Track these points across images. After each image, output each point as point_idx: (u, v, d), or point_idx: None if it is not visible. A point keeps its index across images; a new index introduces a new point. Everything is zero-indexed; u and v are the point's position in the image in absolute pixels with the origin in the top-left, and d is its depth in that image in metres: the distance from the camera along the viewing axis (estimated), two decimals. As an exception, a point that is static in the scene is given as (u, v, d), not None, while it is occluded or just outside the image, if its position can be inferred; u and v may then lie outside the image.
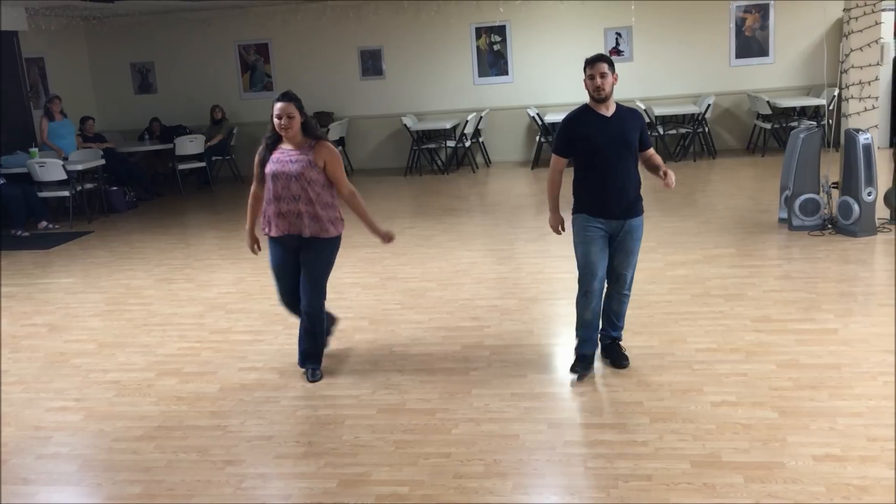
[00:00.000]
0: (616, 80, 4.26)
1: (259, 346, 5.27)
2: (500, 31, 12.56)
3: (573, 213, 4.45)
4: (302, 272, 4.58)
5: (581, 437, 3.82)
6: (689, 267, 6.42)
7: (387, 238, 4.75)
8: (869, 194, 6.87)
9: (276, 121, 4.42)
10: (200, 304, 6.29)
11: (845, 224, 7.02)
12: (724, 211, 8.33)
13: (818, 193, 7.21)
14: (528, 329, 5.30)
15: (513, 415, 4.06)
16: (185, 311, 6.15)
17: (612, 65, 4.24)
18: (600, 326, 4.58)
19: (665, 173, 4.27)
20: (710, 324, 5.14)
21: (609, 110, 4.30)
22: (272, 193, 4.49)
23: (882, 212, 7.20)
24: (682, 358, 4.64)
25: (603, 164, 4.29)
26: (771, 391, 4.12)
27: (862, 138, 6.90)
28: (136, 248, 8.55)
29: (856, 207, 6.90)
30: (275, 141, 4.52)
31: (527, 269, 6.70)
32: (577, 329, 4.53)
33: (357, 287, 6.47)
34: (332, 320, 5.00)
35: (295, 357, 4.78)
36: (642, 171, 4.41)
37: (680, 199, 9.01)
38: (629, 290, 4.53)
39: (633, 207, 4.35)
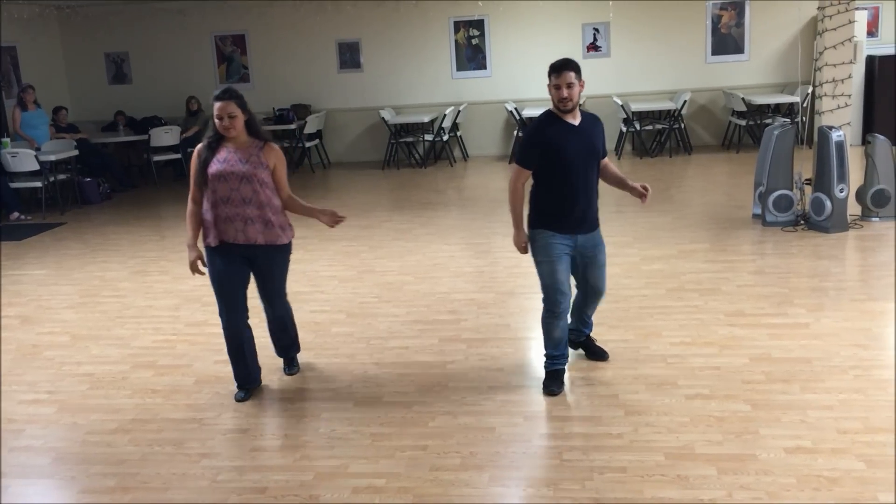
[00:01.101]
0: (583, 87, 4.05)
1: (235, 339, 5.24)
2: (479, 25, 12.56)
3: (532, 228, 4.17)
4: (258, 285, 4.32)
5: (556, 429, 3.84)
6: (664, 262, 6.48)
7: (332, 218, 4.26)
8: (841, 191, 6.96)
9: (216, 122, 4.05)
10: (175, 297, 6.25)
11: (818, 220, 7.10)
12: (699, 206, 8.40)
13: (791, 190, 7.30)
14: (504, 323, 5.32)
15: (489, 408, 4.08)
16: (160, 304, 6.11)
17: (579, 72, 4.01)
18: (574, 326, 4.55)
19: (644, 187, 4.20)
20: (684, 318, 5.19)
21: (576, 118, 4.09)
22: (217, 196, 4.09)
23: (854, 208, 7.30)
24: (656, 351, 4.68)
25: (571, 177, 4.04)
26: (744, 384, 4.17)
27: (835, 135, 6.98)
28: (110, 239, 8.46)
29: (828, 204, 6.98)
30: (217, 141, 4.14)
31: (504, 262, 6.72)
32: (548, 347, 4.27)
33: (334, 280, 6.45)
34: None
35: (270, 350, 4.75)
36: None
37: (656, 195, 9.03)
38: (602, 295, 4.46)
39: (596, 220, 4.22)
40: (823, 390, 4.06)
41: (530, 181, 4.20)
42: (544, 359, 4.31)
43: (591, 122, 4.17)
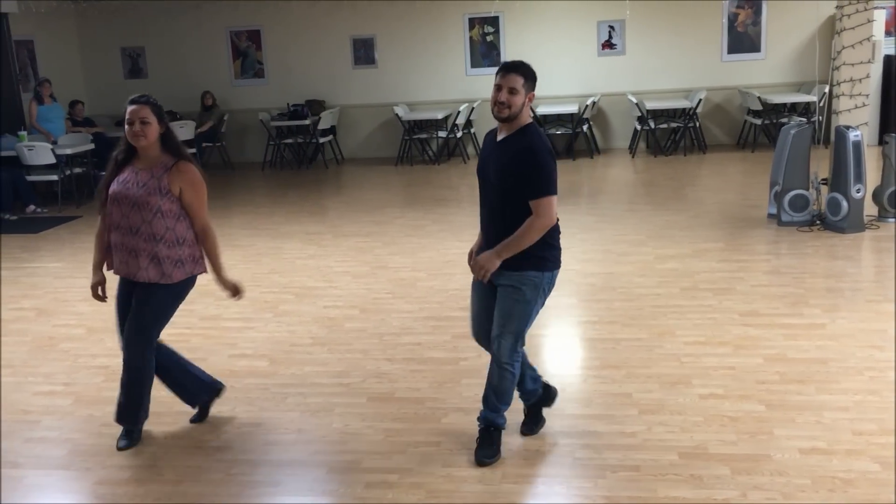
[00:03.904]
0: (531, 100, 3.38)
1: (249, 334, 5.26)
2: (494, 22, 12.53)
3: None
4: (128, 316, 3.75)
5: (570, 427, 3.84)
6: (678, 261, 6.45)
7: (236, 292, 3.86)
8: (858, 191, 6.91)
9: (126, 128, 3.57)
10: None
11: (834, 220, 7.06)
12: (714, 206, 8.36)
13: (807, 189, 7.25)
14: (517, 320, 5.30)
15: (502, 405, 4.08)
16: (175, 298, 6.13)
17: (529, 80, 3.36)
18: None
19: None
20: (698, 317, 5.17)
21: (503, 133, 3.40)
22: (110, 220, 3.66)
23: (871, 209, 7.25)
24: (670, 350, 4.67)
25: (481, 197, 3.54)
26: (758, 384, 4.16)
27: (852, 135, 6.94)
28: (125, 233, 8.50)
29: (844, 204, 6.94)
30: (127, 157, 3.67)
31: (517, 260, 6.71)
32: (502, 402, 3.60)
33: (347, 276, 6.47)
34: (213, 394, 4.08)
35: (284, 345, 4.77)
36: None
37: (670, 194, 9.03)
38: (507, 360, 3.48)
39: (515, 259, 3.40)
40: (839, 391, 4.04)
41: None
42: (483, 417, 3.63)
43: (517, 144, 3.34)
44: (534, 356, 4.73)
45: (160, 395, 4.38)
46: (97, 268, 3.83)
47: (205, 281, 6.20)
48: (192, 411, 4.09)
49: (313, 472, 3.55)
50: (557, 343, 5.03)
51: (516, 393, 3.69)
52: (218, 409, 4.18)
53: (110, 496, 3.42)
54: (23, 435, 4.01)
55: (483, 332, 3.62)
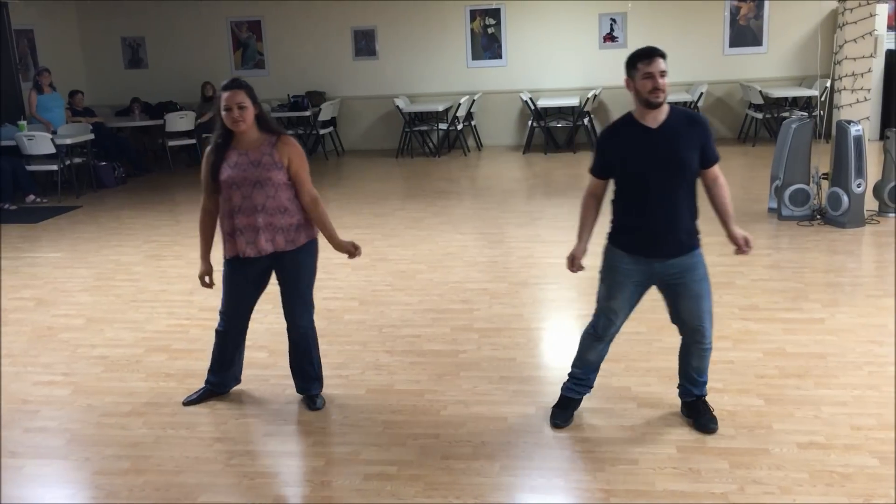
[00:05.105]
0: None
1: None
2: (495, 14, 12.50)
3: (607, 238, 3.63)
4: (282, 291, 3.94)
5: (568, 420, 3.83)
6: (678, 254, 6.44)
7: (353, 251, 4.02)
8: (858, 186, 6.90)
9: (224, 114, 3.64)
10: (189, 282, 6.27)
11: (834, 215, 7.05)
12: (715, 199, 8.34)
13: (808, 184, 7.25)
14: (517, 313, 5.31)
15: (501, 397, 4.08)
16: (174, 288, 6.13)
17: (666, 60, 3.38)
18: (680, 381, 3.79)
19: (746, 241, 3.60)
20: (698, 311, 5.16)
21: (657, 120, 3.38)
22: (230, 206, 3.75)
23: (871, 203, 7.25)
24: (669, 344, 4.65)
25: (641, 192, 3.43)
26: (757, 379, 4.16)
27: (853, 130, 6.92)
28: (124, 223, 8.50)
29: (845, 199, 6.93)
30: (226, 140, 3.75)
31: (517, 253, 6.71)
32: (574, 365, 3.80)
33: (347, 268, 6.46)
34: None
35: (283, 336, 4.72)
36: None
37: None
38: (710, 342, 3.62)
39: (688, 242, 3.50)
40: (837, 386, 4.04)
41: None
42: (566, 377, 3.85)
43: (682, 124, 3.41)
44: (533, 349, 4.74)
45: (157, 385, 4.39)
46: (205, 257, 3.97)
47: (204, 272, 6.06)
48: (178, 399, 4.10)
49: (312, 463, 3.55)
50: (557, 336, 5.03)
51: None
52: (216, 399, 4.18)
53: (108, 486, 3.43)
54: (22, 424, 4.01)
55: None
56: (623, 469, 3.37)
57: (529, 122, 12.18)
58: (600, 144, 3.56)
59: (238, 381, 4.27)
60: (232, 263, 3.88)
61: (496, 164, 11.46)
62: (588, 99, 11.81)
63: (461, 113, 12.00)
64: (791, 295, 5.41)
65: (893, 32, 11.74)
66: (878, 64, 11.15)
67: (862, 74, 7.37)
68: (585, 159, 11.25)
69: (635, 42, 12.24)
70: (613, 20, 12.29)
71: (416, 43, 12.74)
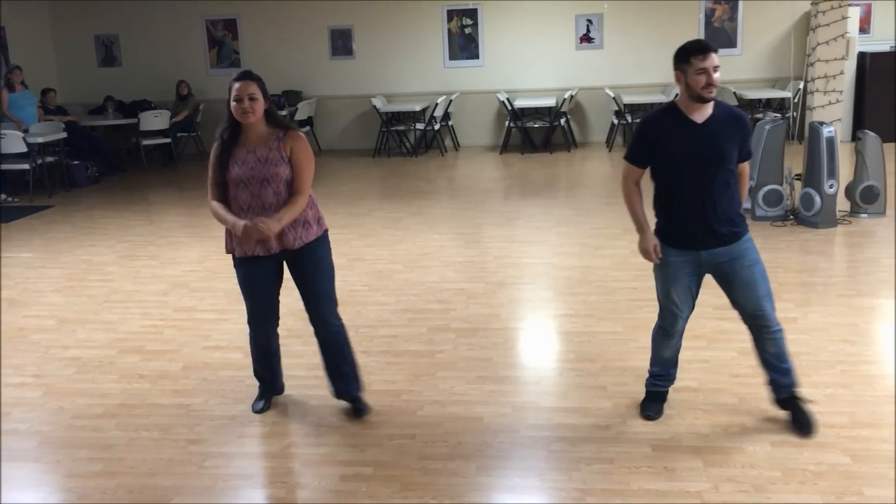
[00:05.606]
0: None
1: (224, 326, 5.22)
2: (472, 14, 12.51)
3: (654, 234, 3.65)
4: (302, 291, 3.80)
5: (544, 420, 3.84)
6: (654, 254, 6.47)
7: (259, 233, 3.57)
8: (831, 186, 6.98)
9: (234, 104, 3.57)
10: (164, 282, 6.21)
11: (807, 215, 7.13)
12: (690, 200, 8.40)
13: (781, 185, 7.32)
14: (494, 313, 5.31)
15: (477, 397, 4.08)
16: (148, 289, 6.07)
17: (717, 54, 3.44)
18: (768, 378, 3.72)
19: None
20: (673, 311, 5.19)
21: (703, 114, 3.44)
22: (238, 204, 3.64)
23: (843, 204, 7.33)
24: (645, 344, 4.65)
25: (684, 184, 3.46)
26: (731, 378, 4.19)
27: (826, 131, 7.00)
28: (98, 223, 8.41)
29: (817, 199, 7.01)
30: (233, 135, 3.67)
31: (494, 253, 6.72)
32: (652, 364, 3.87)
33: (323, 268, 6.43)
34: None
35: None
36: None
37: (646, 188, 9.05)
38: (777, 324, 3.60)
39: (733, 232, 3.50)
40: (810, 385, 4.07)
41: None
42: (647, 375, 3.91)
43: (726, 119, 3.46)
44: (510, 349, 4.74)
45: (130, 386, 4.35)
46: (234, 224, 3.58)
47: (179, 272, 6.13)
48: (178, 402, 4.05)
49: (287, 465, 3.53)
50: (533, 336, 5.04)
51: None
52: (191, 401, 4.15)
53: (80, 489, 3.38)
54: (-8, 427, 3.95)
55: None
56: (599, 468, 3.39)
57: (506, 123, 12.20)
58: (641, 130, 3.56)
59: (282, 389, 4.16)
60: (243, 264, 3.76)
61: (473, 164, 11.47)
62: (565, 99, 11.85)
63: (438, 113, 12.00)
64: (765, 294, 5.45)
65: (865, 35, 11.90)
66: (850, 66, 11.29)
67: (834, 76, 7.45)
68: (562, 160, 11.29)
69: (611, 43, 12.32)
70: (590, 21, 12.35)
71: (393, 42, 12.72)
